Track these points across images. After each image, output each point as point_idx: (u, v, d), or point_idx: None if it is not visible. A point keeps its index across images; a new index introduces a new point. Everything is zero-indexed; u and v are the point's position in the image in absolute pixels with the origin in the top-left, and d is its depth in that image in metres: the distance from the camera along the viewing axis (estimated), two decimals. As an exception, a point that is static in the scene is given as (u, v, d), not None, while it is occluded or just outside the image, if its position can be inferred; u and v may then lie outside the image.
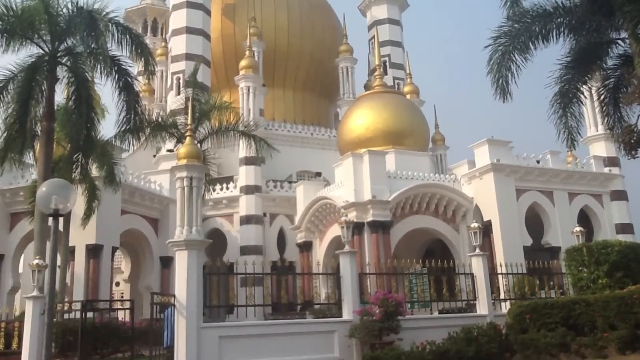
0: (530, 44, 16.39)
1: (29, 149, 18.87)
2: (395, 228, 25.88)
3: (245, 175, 32.78)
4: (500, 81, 15.77)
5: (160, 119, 25.38)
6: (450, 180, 28.06)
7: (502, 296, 17.70)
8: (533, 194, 27.22)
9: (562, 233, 26.17)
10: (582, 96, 17.21)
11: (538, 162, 27.97)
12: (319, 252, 29.25)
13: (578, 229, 19.35)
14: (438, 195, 27.01)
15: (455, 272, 18.49)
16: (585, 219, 28.01)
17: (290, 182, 34.09)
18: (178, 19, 37.69)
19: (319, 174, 35.62)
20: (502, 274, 18.07)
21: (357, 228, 24.16)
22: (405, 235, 26.34)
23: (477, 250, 17.28)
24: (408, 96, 36.31)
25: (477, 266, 17.02)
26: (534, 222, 26.98)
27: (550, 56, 17.13)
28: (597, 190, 29.02)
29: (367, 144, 28.12)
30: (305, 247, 30.02)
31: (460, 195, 27.29)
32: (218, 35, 40.08)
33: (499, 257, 23.96)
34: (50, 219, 8.69)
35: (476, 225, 18.01)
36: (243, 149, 31.21)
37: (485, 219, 25.91)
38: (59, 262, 18.04)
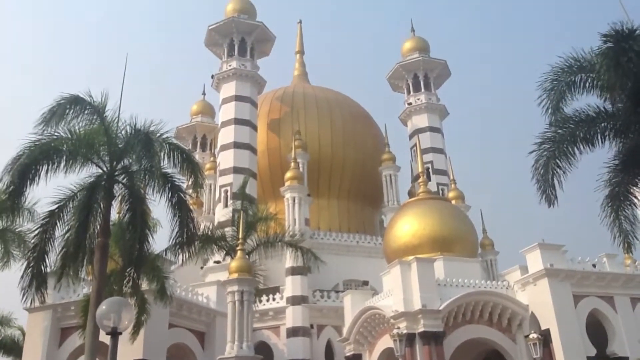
0: (575, 148, 16.42)
1: (88, 265, 19.32)
2: (449, 339, 24.84)
3: (291, 286, 32.57)
4: (546, 187, 15.68)
5: (209, 232, 25.88)
6: (503, 286, 27.14)
7: (570, 414, 16.47)
8: (592, 300, 25.93)
9: (629, 342, 24.59)
10: (634, 199, 16.83)
11: (594, 265, 26.92)
12: (369, 365, 28.12)
13: (646, 338, 18.21)
14: (491, 303, 26.04)
15: (516, 387, 17.42)
16: (651, 326, 26.30)
17: (337, 292, 33.64)
18: (226, 135, 39.54)
19: (366, 283, 35.13)
20: (567, 389, 16.93)
21: (408, 340, 23.42)
22: (460, 346, 25.19)
23: (539, 363, 16.35)
24: (453, 201, 36.24)
25: (540, 381, 16.04)
26: (597, 329, 25.51)
27: (600, 155, 17.02)
28: (662, 295, 27.45)
29: (414, 251, 27.80)
30: (355, 361, 28.95)
31: (514, 303, 26.24)
32: (264, 148, 41.66)
33: (562, 370, 22.53)
34: (107, 336, 8.79)
35: (535, 335, 17.28)
36: (289, 259, 31.29)
37: (543, 328, 24.67)
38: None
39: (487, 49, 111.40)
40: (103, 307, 8.64)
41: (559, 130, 16.48)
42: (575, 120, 16.46)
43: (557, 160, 15.89)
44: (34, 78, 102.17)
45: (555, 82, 16.44)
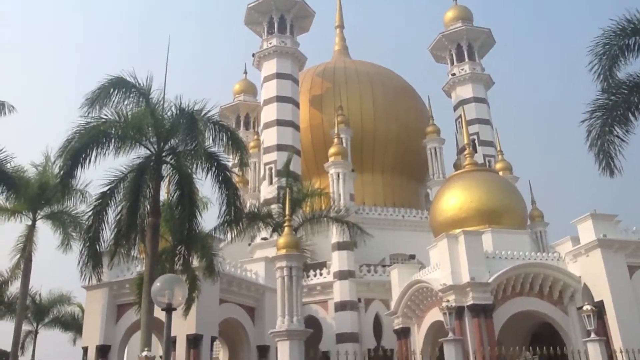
0: (630, 115, 15.80)
1: (140, 244, 19.85)
2: (498, 311, 24.62)
3: (338, 261, 32.78)
4: (604, 157, 15.14)
5: (255, 209, 26.17)
6: (553, 258, 26.63)
7: (626, 386, 16.16)
8: (648, 271, 25.18)
9: (687, 313, 23.79)
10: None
11: (650, 235, 26.06)
12: (418, 338, 28.18)
13: None
14: (542, 275, 25.62)
15: (569, 360, 17.17)
16: None
17: (383, 266, 33.69)
18: (269, 113, 39.69)
19: (412, 257, 35.02)
20: (623, 361, 16.59)
21: (457, 313, 23.28)
22: (509, 319, 24.96)
23: (593, 335, 16.03)
24: (500, 173, 35.56)
25: (594, 353, 15.82)
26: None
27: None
28: None
29: (461, 224, 27.50)
30: (403, 334, 29.04)
31: (566, 275, 25.73)
32: (307, 125, 41.65)
33: (617, 342, 21.97)
34: (161, 312, 9.05)
35: (589, 307, 16.90)
36: (335, 234, 31.43)
37: (596, 300, 24.12)
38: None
39: (532, 14, 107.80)
40: (157, 284, 8.88)
41: (612, 97, 15.86)
42: (629, 85, 15.83)
43: (612, 128, 15.30)
44: (79, 61, 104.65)
45: (607, 47, 15.81)
